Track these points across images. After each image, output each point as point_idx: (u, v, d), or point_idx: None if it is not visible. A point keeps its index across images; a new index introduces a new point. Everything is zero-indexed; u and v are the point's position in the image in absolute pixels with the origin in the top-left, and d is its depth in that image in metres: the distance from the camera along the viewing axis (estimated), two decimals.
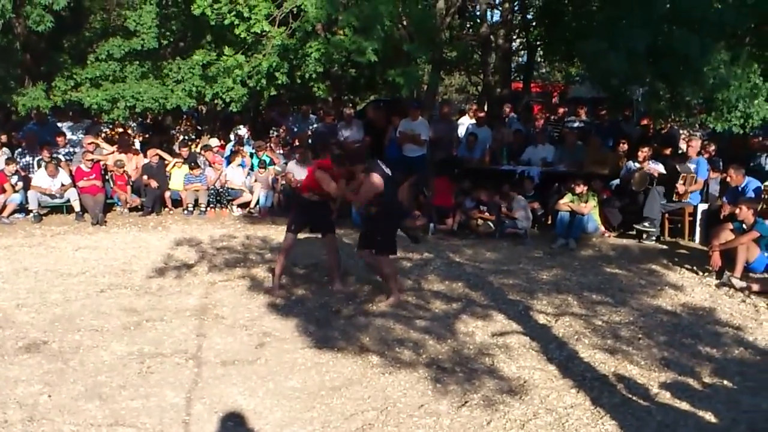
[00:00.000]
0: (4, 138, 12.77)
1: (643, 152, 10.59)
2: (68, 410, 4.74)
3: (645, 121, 12.68)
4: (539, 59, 22.08)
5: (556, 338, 6.26)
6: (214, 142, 14.03)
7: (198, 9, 11.55)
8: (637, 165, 10.64)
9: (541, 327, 6.57)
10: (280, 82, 12.46)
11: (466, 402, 4.94)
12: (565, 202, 10.41)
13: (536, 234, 10.89)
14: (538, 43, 19.38)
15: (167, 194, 12.53)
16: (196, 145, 14.07)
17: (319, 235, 8.01)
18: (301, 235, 10.24)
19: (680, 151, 11.80)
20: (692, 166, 10.34)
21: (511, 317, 6.81)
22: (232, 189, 12.67)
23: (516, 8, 18.88)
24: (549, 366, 5.61)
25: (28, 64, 13.86)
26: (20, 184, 11.79)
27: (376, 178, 6.97)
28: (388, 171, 7.09)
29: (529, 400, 4.97)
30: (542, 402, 4.94)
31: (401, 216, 7.66)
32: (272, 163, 12.91)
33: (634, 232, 10.52)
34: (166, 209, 12.53)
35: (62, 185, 11.82)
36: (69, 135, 13.45)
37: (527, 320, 6.76)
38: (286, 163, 12.88)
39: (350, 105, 17.86)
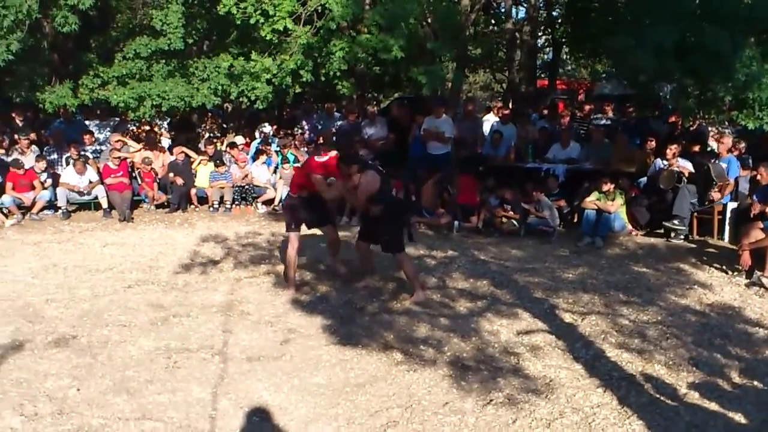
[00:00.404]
0: (33, 136, 12.91)
1: (672, 150, 10.46)
2: (97, 404, 4.78)
3: (673, 118, 12.54)
4: (565, 56, 21.97)
5: (582, 337, 6.21)
6: (240, 139, 14.09)
7: (224, 8, 11.60)
8: (665, 163, 10.51)
9: (567, 326, 6.52)
10: (304, 80, 12.48)
11: (491, 400, 4.91)
12: (592, 200, 10.32)
13: (562, 232, 10.80)
14: (563, 39, 19.27)
15: (193, 191, 12.61)
16: (222, 143, 14.14)
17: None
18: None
19: (709, 149, 11.66)
20: (723, 165, 10.20)
21: (536, 316, 6.76)
22: (257, 186, 12.71)
23: (541, 5, 18.77)
24: (575, 365, 5.56)
25: (56, 64, 14.00)
26: (49, 181, 11.94)
27: (372, 176, 7.00)
28: (382, 171, 7.11)
29: (555, 399, 4.93)
30: (568, 401, 4.90)
31: (404, 212, 7.65)
32: (297, 160, 12.93)
33: (662, 231, 10.41)
34: (192, 206, 12.61)
35: (90, 182, 11.95)
36: (96, 133, 13.58)
37: (553, 319, 6.71)
38: None
39: (374, 103, 17.86)
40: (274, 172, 12.90)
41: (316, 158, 7.62)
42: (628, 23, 11.57)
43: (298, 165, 12.74)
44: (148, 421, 4.56)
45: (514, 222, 10.72)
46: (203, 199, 12.76)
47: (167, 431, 4.45)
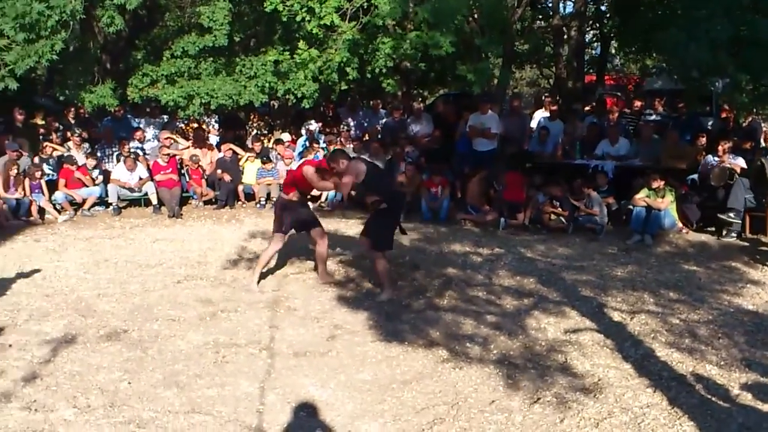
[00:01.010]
0: (84, 134, 13.16)
1: (723, 146, 10.26)
2: (147, 397, 4.87)
3: (725, 114, 12.28)
4: (613, 51, 21.65)
5: (631, 336, 6.12)
6: (286, 136, 14.19)
7: (270, 5, 11.69)
8: (717, 159, 10.32)
9: (616, 324, 6.44)
10: (350, 77, 12.51)
11: (538, 399, 4.87)
12: (641, 197, 10.17)
13: (610, 230, 10.65)
14: (612, 34, 18.99)
15: (240, 188, 12.74)
16: (269, 140, 14.26)
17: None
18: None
19: (762, 146, 11.41)
20: None
21: (584, 314, 6.69)
22: None
23: None
24: (624, 364, 5.49)
25: (105, 63, 14.23)
26: (100, 177, 12.18)
27: (356, 164, 7.03)
28: (379, 164, 7.10)
29: (604, 399, 4.87)
30: (617, 401, 4.84)
31: (400, 211, 7.63)
32: None
33: (713, 228, 10.21)
34: (240, 203, 12.74)
35: (140, 179, 12.16)
36: (146, 130, 13.80)
37: (601, 317, 6.63)
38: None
39: (419, 99, 17.82)
40: None
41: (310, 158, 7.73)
42: (679, 17, 11.36)
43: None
44: (197, 414, 4.63)
45: (562, 219, 10.61)
46: (250, 196, 12.89)
47: (216, 425, 4.50)
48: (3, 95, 11.58)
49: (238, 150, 13.14)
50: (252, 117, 15.17)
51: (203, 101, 12.56)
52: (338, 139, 13.53)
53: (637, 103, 13.99)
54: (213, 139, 14.08)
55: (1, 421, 4.44)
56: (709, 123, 13.19)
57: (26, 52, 11.04)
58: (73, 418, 4.52)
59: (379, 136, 13.74)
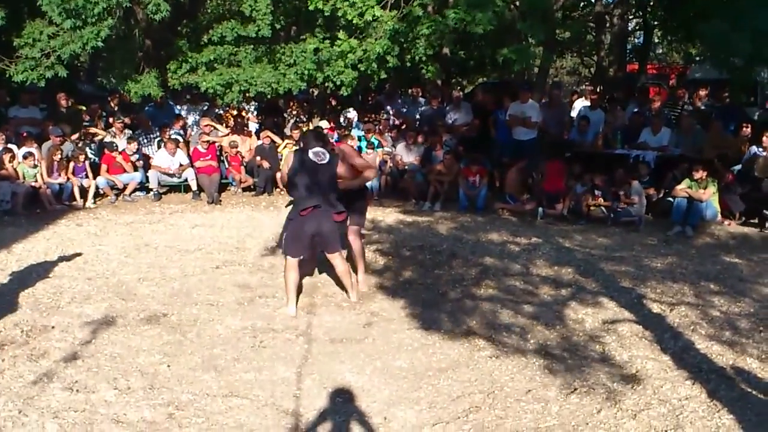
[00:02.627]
0: (126, 120, 13.34)
1: None
2: (186, 380, 4.93)
3: None
4: (656, 39, 21.32)
5: (671, 328, 6.04)
6: (325, 124, 14.21)
7: (312, 4, 11.75)
8: (762, 150, 10.11)
9: (655, 316, 6.36)
10: (390, 65, 12.48)
11: (575, 389, 4.84)
12: (683, 188, 10.02)
13: (650, 220, 10.52)
14: (655, 22, 18.69)
15: (278, 175, 12.81)
16: (307, 128, 14.29)
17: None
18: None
19: None
20: None
21: (623, 305, 6.62)
22: None
23: None
24: (663, 356, 5.42)
25: (148, 50, 14.38)
26: (140, 162, 12.35)
27: (289, 155, 6.53)
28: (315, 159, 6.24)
29: (642, 390, 4.82)
30: (655, 392, 4.78)
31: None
32: (380, 145, 12.99)
33: (756, 221, 10.03)
34: (278, 189, 12.81)
35: (180, 165, 12.29)
36: (186, 117, 13.95)
37: (640, 308, 6.55)
38: (394, 146, 12.96)
39: (458, 87, 17.75)
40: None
41: None
42: (723, 6, 11.14)
43: (382, 150, 12.82)
44: (235, 398, 4.68)
45: (602, 209, 10.50)
46: None
47: (253, 408, 4.55)
48: (47, 81, 11.78)
49: (276, 138, 13.20)
50: (291, 104, 15.22)
51: (242, 89, 12.63)
52: (377, 127, 13.54)
53: (680, 92, 13.74)
54: (252, 126, 14.17)
55: (44, 401, 4.53)
56: (756, 114, 12.93)
57: (71, 38, 11.21)
58: (113, 399, 4.59)
59: (417, 125, 13.72)
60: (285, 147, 13.05)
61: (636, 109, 12.83)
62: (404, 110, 14.48)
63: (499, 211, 11.08)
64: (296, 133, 13.34)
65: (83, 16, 11.05)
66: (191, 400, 4.62)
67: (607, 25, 17.39)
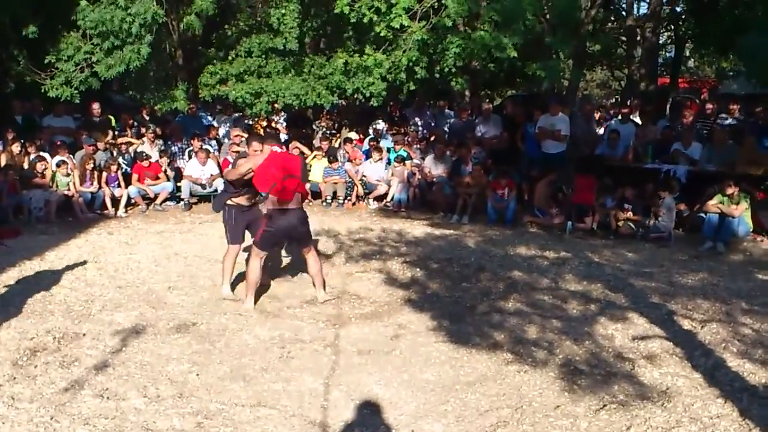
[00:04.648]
0: (158, 130, 13.50)
1: None
2: (215, 389, 4.97)
3: None
4: (688, 53, 21.17)
5: (702, 345, 5.97)
6: (354, 135, 14.27)
7: (338, 8, 11.80)
8: None
9: (686, 333, 6.28)
10: (419, 76, 12.51)
11: (604, 405, 4.80)
12: (715, 204, 9.91)
13: (681, 236, 10.41)
14: (687, 36, 18.56)
15: (307, 186, 12.84)
16: (336, 140, 14.37)
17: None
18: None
19: None
20: None
21: (653, 321, 6.55)
22: (369, 183, 12.85)
23: (665, 0, 18.13)
24: (694, 374, 5.36)
25: (178, 62, 14.56)
26: (171, 173, 12.48)
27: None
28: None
29: (672, 408, 4.77)
30: (686, 410, 4.73)
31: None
32: (409, 157, 13.00)
33: None
34: (306, 200, 12.83)
35: (211, 175, 12.40)
36: (217, 127, 14.09)
37: (670, 325, 6.48)
38: (422, 158, 12.97)
39: (487, 100, 17.73)
40: (385, 168, 12.98)
41: None
42: (759, 19, 11.02)
43: (410, 162, 12.85)
44: (263, 408, 4.70)
45: (631, 225, 10.40)
46: (317, 194, 13.01)
47: (281, 419, 4.57)
48: (81, 92, 11.98)
49: (305, 149, 13.26)
50: (322, 115, 15.31)
51: (270, 99, 12.73)
52: (405, 139, 13.57)
53: (709, 106, 13.59)
54: (282, 137, 14.27)
55: (75, 407, 4.59)
56: None
57: (115, 60, 11.40)
58: (143, 407, 4.64)
59: (446, 137, 13.72)
60: (314, 158, 13.12)
61: (667, 123, 12.71)
62: (432, 123, 14.49)
63: (528, 225, 11.03)
64: (325, 144, 13.43)
65: (120, 36, 11.23)
66: (220, 410, 4.65)
67: (639, 38, 17.29)
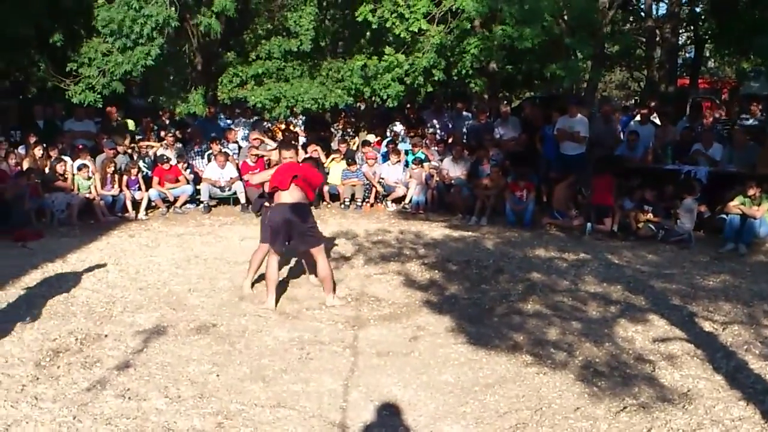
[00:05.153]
0: (178, 133, 13.59)
1: None
2: (235, 390, 5.00)
3: None
4: (708, 54, 21.03)
5: (723, 347, 5.93)
6: (372, 138, 14.29)
7: (360, 15, 11.83)
8: None
9: (707, 335, 6.24)
10: (437, 78, 12.51)
11: (624, 407, 4.77)
12: (736, 205, 9.84)
13: (702, 238, 10.33)
14: (707, 36, 18.43)
15: (325, 188, 12.90)
16: (354, 142, 14.39)
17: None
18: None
19: None
20: None
21: (673, 323, 6.51)
22: (387, 185, 12.87)
23: (684, 0, 18.02)
24: (715, 376, 5.32)
25: (197, 66, 14.64)
26: (191, 176, 12.56)
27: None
28: None
29: (693, 410, 4.74)
30: (707, 412, 4.70)
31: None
32: (427, 159, 13.00)
33: None
34: (324, 203, 12.90)
35: (230, 178, 12.46)
36: (237, 131, 14.15)
37: (691, 327, 6.44)
38: (440, 160, 12.97)
39: (505, 102, 17.69)
40: (403, 170, 12.98)
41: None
42: None
43: (428, 164, 12.84)
44: (283, 408, 4.72)
45: (651, 226, 10.33)
46: (335, 196, 13.04)
47: (300, 419, 4.58)
48: (103, 96, 12.09)
49: (321, 154, 13.27)
50: (340, 118, 15.34)
51: (289, 104, 12.77)
52: (423, 141, 13.57)
53: (731, 108, 13.49)
54: (301, 140, 14.31)
55: (97, 407, 4.63)
56: None
57: (123, 59, 11.50)
58: (164, 407, 4.67)
59: (464, 139, 13.71)
60: (332, 160, 13.16)
61: (687, 124, 12.64)
62: (450, 125, 14.48)
63: (547, 227, 10.99)
64: (343, 147, 13.46)
65: (132, 37, 11.32)
66: (240, 410, 4.67)
67: (658, 39, 17.19)
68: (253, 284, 7.39)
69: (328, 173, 13.01)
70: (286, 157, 7.03)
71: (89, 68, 11.90)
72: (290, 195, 6.86)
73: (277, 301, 6.92)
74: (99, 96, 11.89)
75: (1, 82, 17.95)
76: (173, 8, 11.52)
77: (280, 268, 7.24)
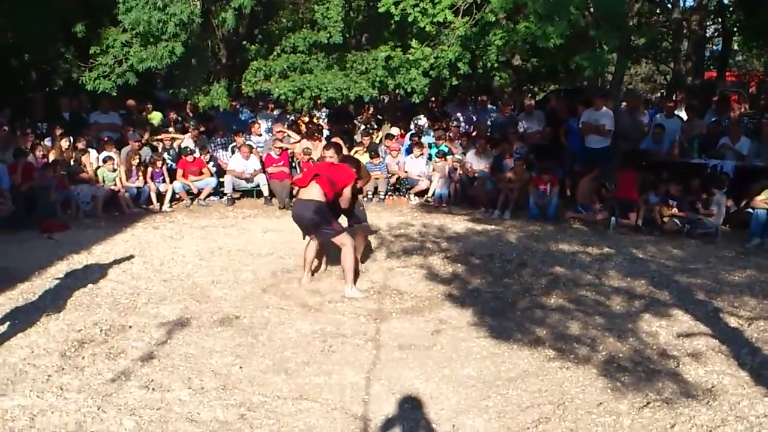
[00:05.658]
0: (202, 127, 13.67)
1: None
2: (257, 381, 5.02)
3: None
4: (736, 46, 20.76)
5: (749, 343, 5.86)
6: (395, 131, 14.27)
7: (383, 7, 11.79)
8: None
9: (732, 330, 6.18)
10: (461, 71, 12.45)
11: (648, 403, 4.74)
12: (762, 199, 9.72)
13: (728, 233, 10.22)
14: (735, 29, 18.20)
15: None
16: (377, 135, 14.38)
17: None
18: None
19: None
20: None
21: (698, 318, 6.45)
22: (410, 178, 12.85)
23: None
24: (740, 372, 5.26)
25: (221, 59, 14.70)
26: (214, 168, 12.63)
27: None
28: None
29: (718, 406, 4.69)
30: (732, 409, 4.65)
31: None
32: (450, 152, 12.97)
33: None
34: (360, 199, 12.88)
35: (254, 170, 12.52)
36: (261, 123, 14.21)
37: (716, 322, 6.37)
38: (464, 153, 12.93)
39: (529, 95, 17.60)
40: (426, 164, 12.96)
41: None
42: None
43: (452, 157, 12.81)
44: (305, 401, 4.74)
45: (676, 221, 10.23)
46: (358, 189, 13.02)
47: (322, 412, 4.60)
48: (125, 88, 12.17)
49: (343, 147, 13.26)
50: (363, 111, 15.33)
51: (313, 94, 12.77)
52: (447, 134, 13.53)
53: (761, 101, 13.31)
54: (325, 132, 14.33)
55: (122, 398, 4.68)
56: None
57: (148, 55, 11.56)
58: (187, 399, 4.71)
59: (488, 132, 13.66)
60: (355, 153, 13.15)
61: (714, 118, 12.49)
62: (474, 118, 14.42)
63: (571, 221, 10.93)
64: (366, 140, 13.46)
65: (156, 35, 11.38)
66: (262, 402, 4.70)
67: (685, 31, 17.00)
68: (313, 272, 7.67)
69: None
70: (324, 156, 7.57)
71: (105, 56, 11.95)
72: (306, 192, 7.15)
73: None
74: (113, 84, 11.92)
75: (28, 75, 18.15)
76: (197, 3, 11.56)
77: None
